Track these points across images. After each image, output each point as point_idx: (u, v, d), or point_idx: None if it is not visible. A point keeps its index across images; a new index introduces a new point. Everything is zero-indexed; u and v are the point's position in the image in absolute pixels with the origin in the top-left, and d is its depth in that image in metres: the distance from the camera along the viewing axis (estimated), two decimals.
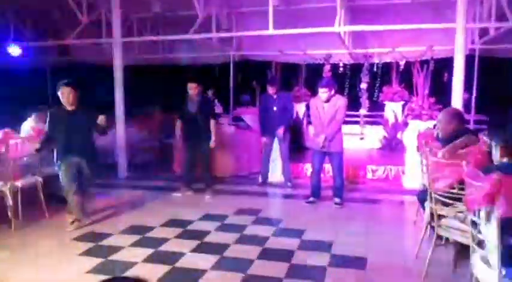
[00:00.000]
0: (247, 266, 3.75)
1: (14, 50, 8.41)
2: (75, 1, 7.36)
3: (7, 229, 4.65)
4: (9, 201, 4.65)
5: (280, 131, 6.55)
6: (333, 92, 5.58)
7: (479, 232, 2.57)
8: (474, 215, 2.59)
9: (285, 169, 6.81)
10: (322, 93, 5.53)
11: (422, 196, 4.04)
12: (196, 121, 6.03)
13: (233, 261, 3.89)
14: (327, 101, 5.56)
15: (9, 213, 4.66)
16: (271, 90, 6.60)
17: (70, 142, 4.68)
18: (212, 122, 6.12)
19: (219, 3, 7.69)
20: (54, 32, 9.16)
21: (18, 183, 4.80)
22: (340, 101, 5.61)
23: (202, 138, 6.05)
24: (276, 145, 6.79)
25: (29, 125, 5.64)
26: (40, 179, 5.08)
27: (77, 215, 4.83)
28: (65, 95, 4.65)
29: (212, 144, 6.07)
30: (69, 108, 4.71)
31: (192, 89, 6.02)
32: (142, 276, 3.48)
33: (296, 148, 8.08)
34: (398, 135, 8.90)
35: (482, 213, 2.46)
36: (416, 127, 6.28)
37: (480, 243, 2.61)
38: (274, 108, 6.58)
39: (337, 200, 5.73)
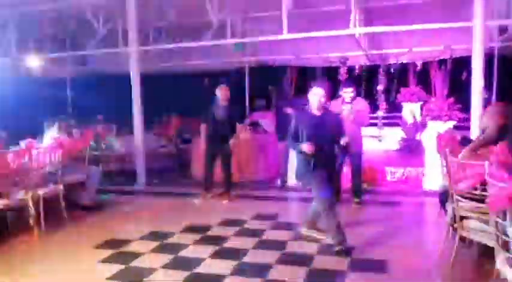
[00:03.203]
0: (267, 271, 3.73)
1: (34, 61, 8.60)
2: (92, 12, 7.51)
3: (30, 237, 4.72)
4: (32, 210, 4.73)
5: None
6: (355, 92, 5.61)
7: (505, 234, 2.50)
8: (498, 216, 2.53)
9: None
10: (348, 93, 5.52)
11: (443, 197, 3.97)
12: (222, 126, 6.05)
13: (252, 266, 3.87)
14: (348, 102, 5.54)
15: (31, 222, 4.74)
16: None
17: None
18: (240, 127, 6.20)
19: (233, 9, 7.72)
20: (73, 43, 9.34)
21: (40, 192, 4.88)
22: (362, 104, 5.65)
23: (226, 142, 6.07)
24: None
25: (51, 135, 5.74)
26: (61, 188, 5.16)
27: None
28: (320, 99, 4.23)
29: (231, 142, 6.10)
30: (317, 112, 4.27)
31: (223, 90, 6.05)
32: None
33: None
34: (417, 136, 8.78)
35: (508, 215, 2.40)
36: (435, 128, 6.19)
37: (506, 245, 2.54)
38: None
39: (356, 199, 5.72)
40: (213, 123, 6.13)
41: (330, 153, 4.32)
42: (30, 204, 4.73)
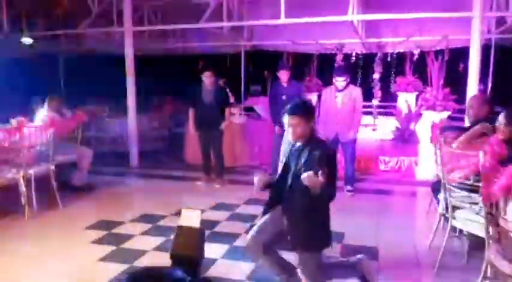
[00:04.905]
0: None
1: (26, 40, 8.45)
2: None
3: (21, 217, 4.68)
4: (23, 189, 4.68)
5: None
6: (348, 80, 5.57)
7: (496, 224, 2.52)
8: (490, 207, 2.54)
9: None
10: (340, 82, 5.49)
11: (436, 187, 3.99)
12: (210, 110, 6.02)
13: (244, 250, 3.87)
14: (341, 90, 5.52)
15: (22, 201, 4.69)
16: (282, 75, 6.37)
17: None
18: (227, 110, 6.16)
19: None
20: (66, 22, 9.16)
21: (31, 171, 4.83)
22: (356, 91, 5.61)
23: (215, 127, 6.05)
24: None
25: (43, 114, 5.65)
26: (52, 167, 5.10)
27: None
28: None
29: (223, 126, 6.09)
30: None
31: (208, 77, 5.99)
32: (153, 264, 3.49)
33: None
34: (411, 126, 8.80)
35: (500, 206, 2.41)
36: (430, 118, 6.20)
37: (497, 236, 2.56)
38: (284, 97, 6.50)
39: (349, 187, 5.74)
40: (200, 107, 6.11)
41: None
42: (22, 183, 4.68)
